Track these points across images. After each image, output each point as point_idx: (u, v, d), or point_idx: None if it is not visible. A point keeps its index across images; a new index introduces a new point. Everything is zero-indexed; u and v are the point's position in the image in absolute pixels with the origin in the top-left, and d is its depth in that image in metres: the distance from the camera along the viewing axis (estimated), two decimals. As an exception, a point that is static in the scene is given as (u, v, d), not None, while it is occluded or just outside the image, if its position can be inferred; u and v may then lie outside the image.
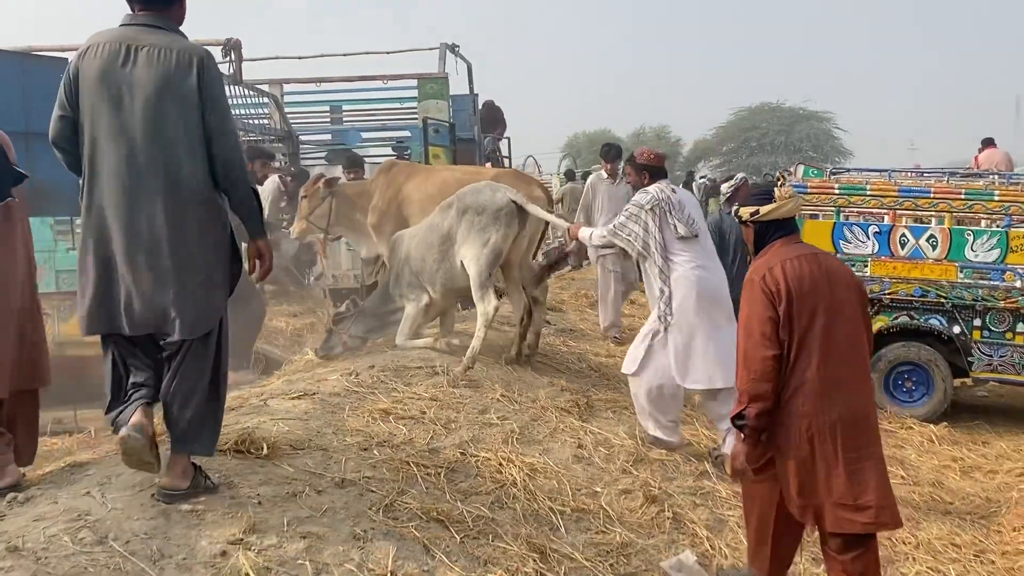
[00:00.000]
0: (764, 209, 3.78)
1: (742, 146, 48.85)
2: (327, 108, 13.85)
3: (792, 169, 9.28)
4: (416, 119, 12.25)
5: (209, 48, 3.89)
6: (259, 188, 7.58)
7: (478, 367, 6.17)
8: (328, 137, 13.64)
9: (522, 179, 7.26)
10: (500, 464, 4.54)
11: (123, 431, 3.29)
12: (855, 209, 8.48)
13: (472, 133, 13.72)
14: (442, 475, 4.26)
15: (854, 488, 3.46)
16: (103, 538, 2.99)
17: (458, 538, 3.70)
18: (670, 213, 5.40)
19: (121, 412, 3.41)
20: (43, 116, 6.51)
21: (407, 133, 12.39)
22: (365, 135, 12.90)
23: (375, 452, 4.32)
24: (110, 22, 3.52)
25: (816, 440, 3.49)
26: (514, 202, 6.01)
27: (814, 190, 8.45)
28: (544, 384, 6.28)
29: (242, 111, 10.39)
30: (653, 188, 5.53)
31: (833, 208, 8.53)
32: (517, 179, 7.08)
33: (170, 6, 3.49)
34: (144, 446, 3.28)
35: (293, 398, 4.93)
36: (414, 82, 12.44)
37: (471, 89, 13.99)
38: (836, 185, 8.49)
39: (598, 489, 4.65)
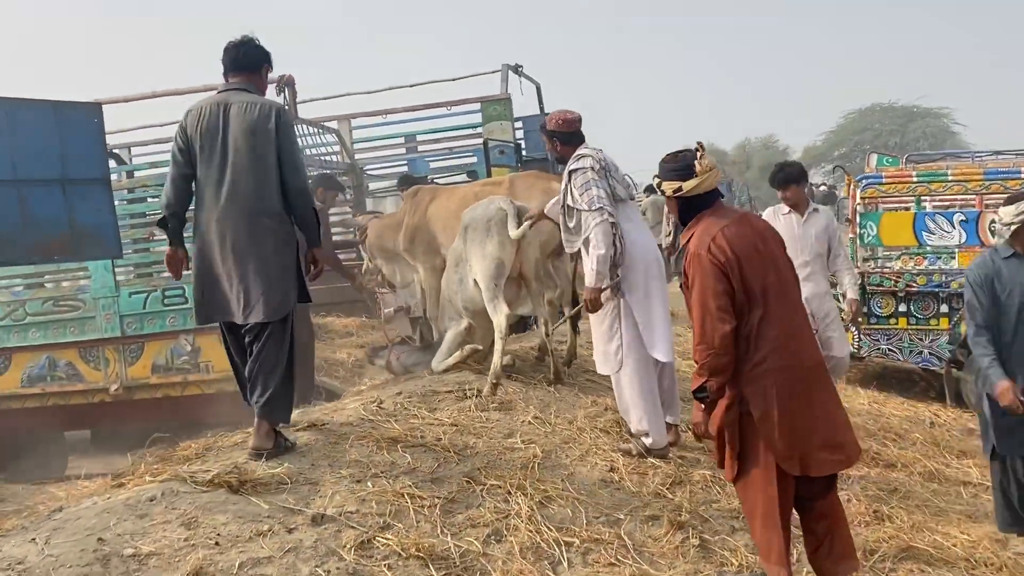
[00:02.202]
0: (687, 185, 3.69)
1: (854, 149, 46.90)
2: (401, 139, 13.81)
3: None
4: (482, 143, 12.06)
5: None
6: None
7: (514, 388, 5.84)
8: (405, 168, 13.62)
9: (540, 177, 7.00)
10: (509, 492, 4.18)
11: (250, 454, 4.26)
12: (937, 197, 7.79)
13: (544, 152, 13.41)
14: (438, 507, 3.93)
15: (830, 430, 3.59)
16: (25, 589, 2.80)
17: (437, 576, 3.36)
18: (609, 175, 5.09)
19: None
20: (80, 162, 6.67)
21: (474, 159, 12.20)
22: (434, 164, 12.78)
23: (368, 484, 4.03)
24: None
25: (791, 392, 3.52)
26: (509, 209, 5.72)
27: (890, 180, 7.79)
28: (586, 404, 5.86)
29: (302, 147, 10.43)
30: (587, 151, 5.18)
31: (912, 198, 7.84)
32: (536, 178, 6.88)
33: (254, 73, 4.56)
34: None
35: (299, 429, 4.70)
36: (478, 106, 12.26)
37: (541, 109, 13.66)
38: (914, 173, 7.80)
39: (620, 516, 4.21)
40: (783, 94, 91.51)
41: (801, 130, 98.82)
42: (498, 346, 5.63)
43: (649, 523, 4.19)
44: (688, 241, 3.66)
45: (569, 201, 5.15)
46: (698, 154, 3.67)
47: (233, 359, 4.56)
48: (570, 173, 5.16)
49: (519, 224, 5.68)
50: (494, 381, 5.60)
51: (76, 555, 3.05)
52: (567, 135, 5.27)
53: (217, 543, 3.25)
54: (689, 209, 3.74)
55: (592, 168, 5.06)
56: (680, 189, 3.68)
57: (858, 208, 7.80)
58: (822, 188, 30.91)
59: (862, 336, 7.75)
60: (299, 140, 10.36)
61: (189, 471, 3.94)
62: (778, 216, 6.29)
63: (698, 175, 3.64)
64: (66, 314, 8.67)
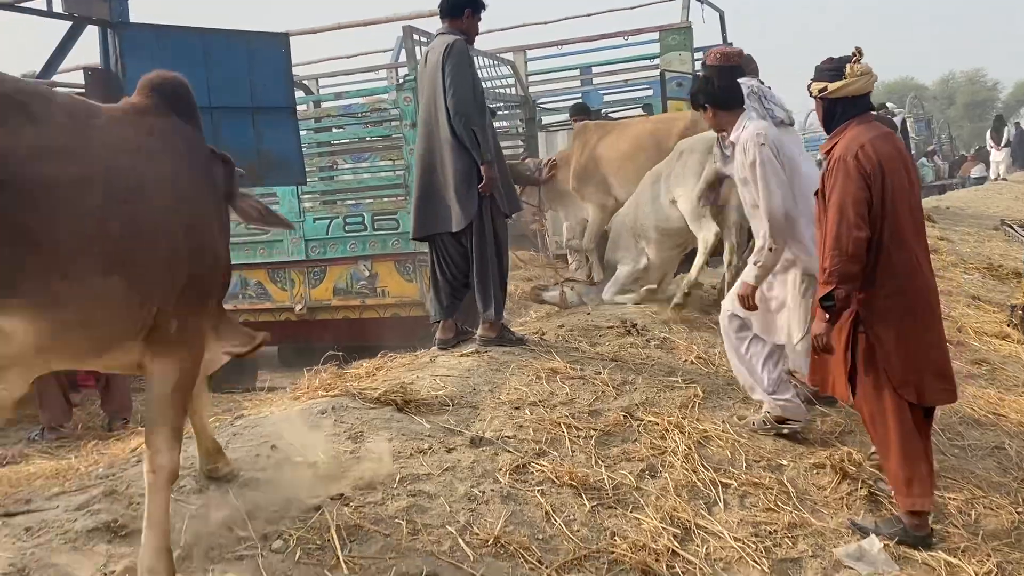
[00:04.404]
0: (832, 86, 3.59)
1: (1078, 84, 42.47)
2: (575, 71, 13.61)
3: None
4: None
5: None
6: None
7: (679, 328, 5.74)
8: (580, 99, 13.47)
9: None
10: (666, 429, 4.12)
11: (433, 347, 5.17)
12: None
13: (726, 86, 12.85)
14: (593, 439, 3.93)
15: (943, 360, 3.61)
16: (203, 488, 3.03)
17: (589, 506, 3.38)
18: (764, 99, 4.82)
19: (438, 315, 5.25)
20: (267, 91, 6.99)
21: (650, 92, 11.87)
22: (608, 96, 12.54)
23: (526, 411, 4.08)
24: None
25: (912, 315, 3.52)
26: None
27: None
28: (754, 346, 5.68)
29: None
30: (742, 80, 4.86)
31: None
32: None
33: (456, 18, 5.05)
34: (449, 347, 5.10)
35: (462, 355, 4.82)
36: (657, 35, 11.86)
37: (724, 38, 13.07)
38: None
39: (783, 462, 4.07)
40: (995, 22, 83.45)
41: (1015, 63, 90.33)
42: (699, 260, 5.82)
43: (814, 471, 4.03)
44: (831, 149, 3.60)
45: None
46: (853, 58, 3.58)
47: (434, 274, 5.23)
48: None
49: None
50: (686, 291, 5.84)
51: (251, 460, 3.26)
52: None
53: (380, 457, 3.39)
54: (834, 114, 3.66)
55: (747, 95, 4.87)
56: (825, 89, 3.62)
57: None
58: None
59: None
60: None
61: (359, 388, 4.13)
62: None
63: (846, 77, 3.56)
64: (257, 236, 9.21)
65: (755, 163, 4.16)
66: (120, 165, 2.39)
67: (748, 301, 4.20)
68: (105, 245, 2.30)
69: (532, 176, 7.87)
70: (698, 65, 12.01)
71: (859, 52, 3.58)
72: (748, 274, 4.24)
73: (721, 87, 4.43)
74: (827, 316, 3.49)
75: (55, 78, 7.23)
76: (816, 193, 3.68)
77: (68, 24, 6.85)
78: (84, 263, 2.27)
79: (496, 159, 5.06)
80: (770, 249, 4.12)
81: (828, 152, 3.61)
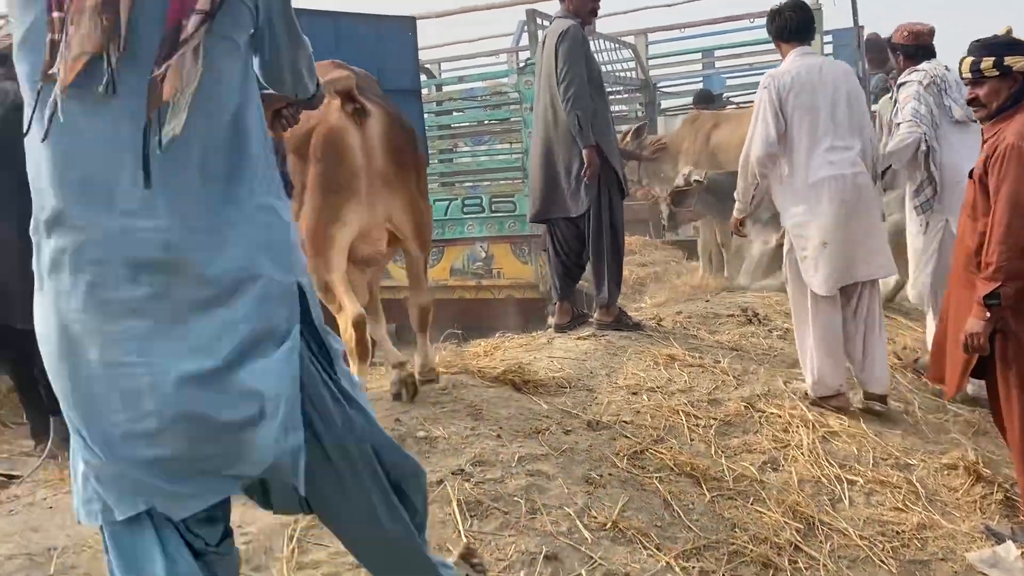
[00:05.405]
0: None
1: None
2: (697, 55, 13.34)
3: None
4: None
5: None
6: None
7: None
8: (700, 85, 13.21)
9: None
10: (789, 422, 4.02)
11: (549, 329, 5.23)
12: None
13: (856, 70, 12.37)
14: (713, 428, 3.87)
15: None
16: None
17: (708, 496, 3.33)
18: (946, 93, 4.59)
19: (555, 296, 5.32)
20: (394, 74, 7.10)
21: (776, 76, 11.51)
22: (731, 80, 12.24)
23: (643, 397, 4.05)
24: None
25: None
26: None
27: None
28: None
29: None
30: (925, 66, 4.68)
31: None
32: None
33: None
34: (566, 330, 5.09)
35: (579, 338, 4.82)
36: (784, 17, 11.48)
37: (855, 21, 12.53)
38: None
39: (912, 461, 3.92)
40: None
41: None
42: None
43: (944, 472, 3.87)
44: (996, 133, 3.33)
45: (896, 117, 4.78)
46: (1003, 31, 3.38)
47: (550, 256, 5.29)
48: (899, 87, 4.79)
49: None
50: None
51: (375, 432, 3.35)
52: (911, 49, 4.80)
53: (499, 435, 3.42)
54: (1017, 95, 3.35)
55: (921, 82, 4.63)
56: None
57: None
58: None
59: None
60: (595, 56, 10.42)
61: (478, 367, 4.18)
62: None
63: None
64: (378, 217, 9.40)
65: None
66: None
67: (736, 229, 4.73)
68: None
69: (633, 152, 7.72)
70: (828, 48, 11.61)
71: (1010, 32, 3.39)
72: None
73: (785, 19, 4.42)
74: (987, 314, 3.27)
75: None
76: (970, 174, 3.46)
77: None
78: None
79: (609, 143, 5.03)
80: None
81: (992, 136, 3.37)
